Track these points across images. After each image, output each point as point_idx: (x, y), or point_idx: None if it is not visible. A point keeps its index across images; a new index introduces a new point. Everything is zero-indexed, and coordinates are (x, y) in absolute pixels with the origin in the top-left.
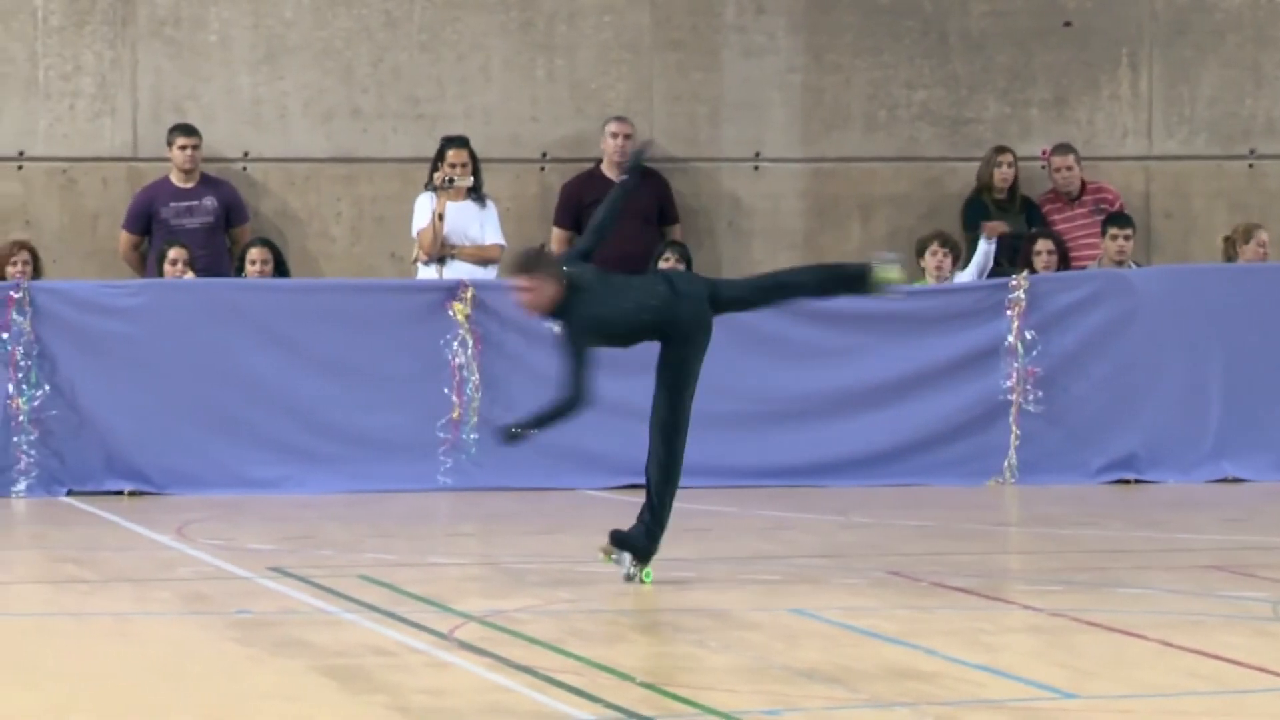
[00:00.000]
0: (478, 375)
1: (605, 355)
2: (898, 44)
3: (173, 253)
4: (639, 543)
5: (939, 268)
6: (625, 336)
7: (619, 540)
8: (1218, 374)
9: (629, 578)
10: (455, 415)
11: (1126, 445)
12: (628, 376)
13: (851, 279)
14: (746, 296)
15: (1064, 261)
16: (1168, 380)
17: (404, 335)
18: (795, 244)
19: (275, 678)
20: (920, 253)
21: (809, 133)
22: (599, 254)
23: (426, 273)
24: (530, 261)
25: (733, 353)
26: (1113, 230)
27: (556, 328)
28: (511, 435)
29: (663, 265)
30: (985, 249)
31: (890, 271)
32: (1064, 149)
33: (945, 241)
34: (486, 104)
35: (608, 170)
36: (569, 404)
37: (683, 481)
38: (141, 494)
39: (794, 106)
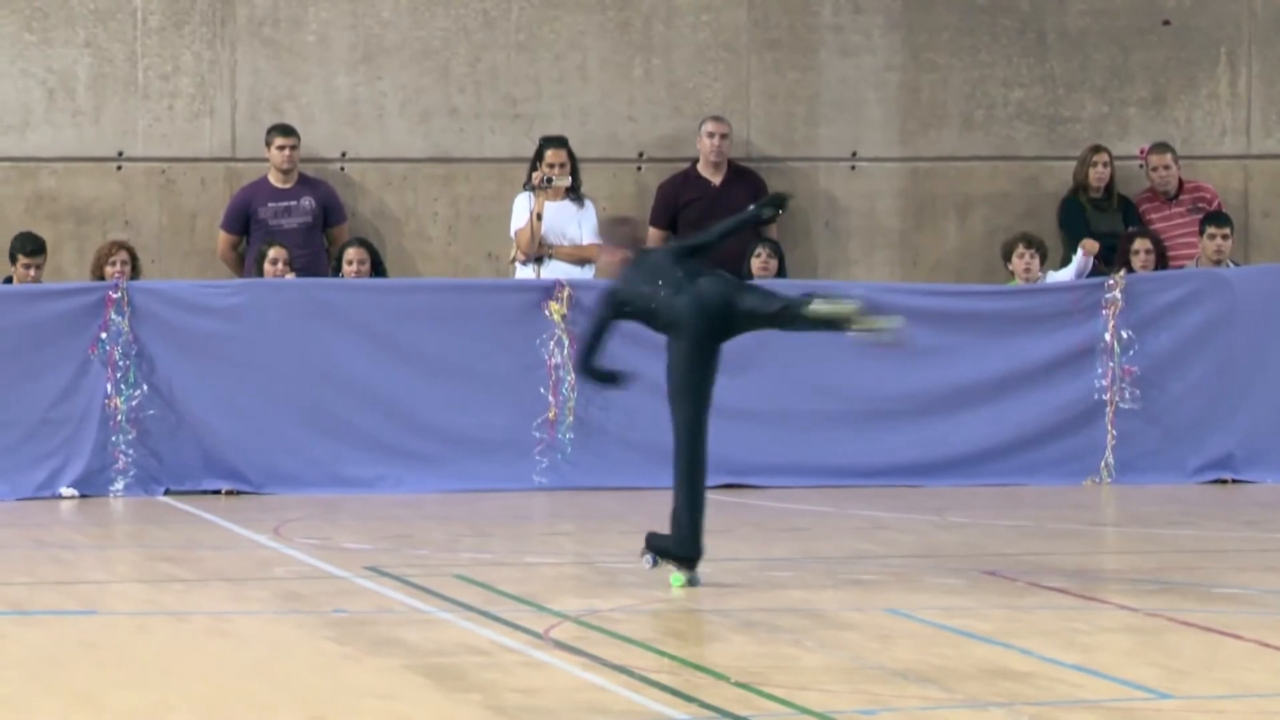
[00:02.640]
0: (573, 375)
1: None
2: (995, 43)
3: (273, 252)
4: (657, 540)
5: (1027, 269)
6: (643, 316)
7: (648, 542)
8: None
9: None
10: (551, 415)
11: (1224, 445)
12: (719, 375)
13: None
14: (759, 310)
15: (1162, 261)
16: (1266, 380)
17: (500, 335)
18: (892, 243)
19: (371, 676)
20: (1007, 256)
21: (906, 132)
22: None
23: (524, 272)
24: (604, 226)
25: (829, 352)
26: (1210, 229)
27: None
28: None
29: (755, 262)
30: (1082, 260)
31: (881, 322)
32: (1162, 148)
33: (1031, 242)
34: (584, 104)
35: (704, 170)
36: (577, 362)
37: (780, 481)
38: (239, 493)
39: (891, 106)
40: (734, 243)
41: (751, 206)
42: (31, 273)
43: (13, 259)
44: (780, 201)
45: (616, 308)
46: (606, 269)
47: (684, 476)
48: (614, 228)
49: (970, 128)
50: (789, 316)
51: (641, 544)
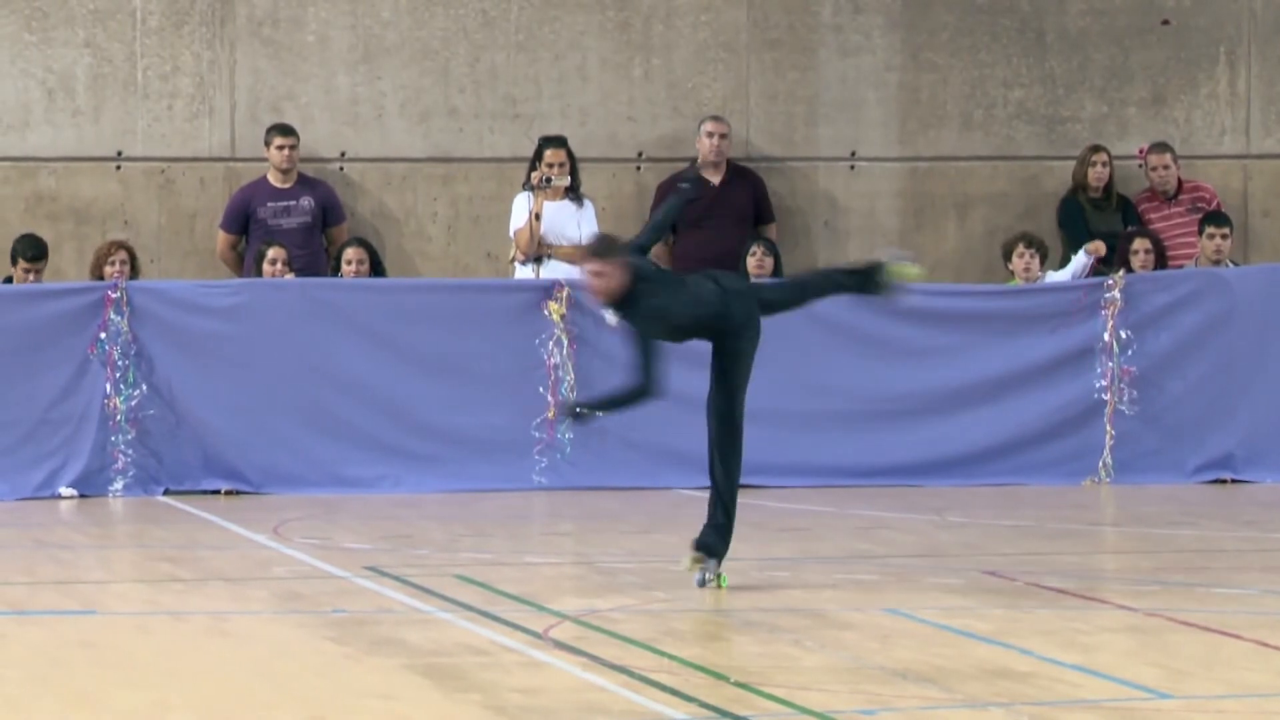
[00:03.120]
0: (573, 375)
1: (700, 356)
2: (995, 43)
3: (272, 252)
4: (715, 545)
5: (1027, 269)
6: (680, 330)
7: (705, 547)
8: None
9: (702, 583)
10: (550, 415)
11: (1223, 445)
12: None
13: (864, 278)
14: (783, 299)
15: (1161, 261)
16: (1265, 379)
17: (500, 335)
18: (891, 243)
19: (371, 676)
20: (1007, 255)
21: (905, 132)
22: (694, 253)
23: (523, 272)
24: (605, 248)
25: (829, 352)
26: (1210, 229)
27: (612, 317)
28: (577, 414)
29: (750, 261)
30: (1084, 260)
31: (905, 268)
32: (1161, 148)
33: (1031, 242)
34: (583, 103)
35: (703, 170)
36: (639, 393)
37: (780, 481)
38: (238, 493)
39: (890, 105)
40: (735, 244)
41: (682, 184)
42: (31, 277)
43: (14, 261)
44: (693, 179)
45: (661, 327)
46: (614, 292)
47: (735, 473)
48: (611, 249)
49: (970, 128)
50: (804, 292)
51: (687, 554)
